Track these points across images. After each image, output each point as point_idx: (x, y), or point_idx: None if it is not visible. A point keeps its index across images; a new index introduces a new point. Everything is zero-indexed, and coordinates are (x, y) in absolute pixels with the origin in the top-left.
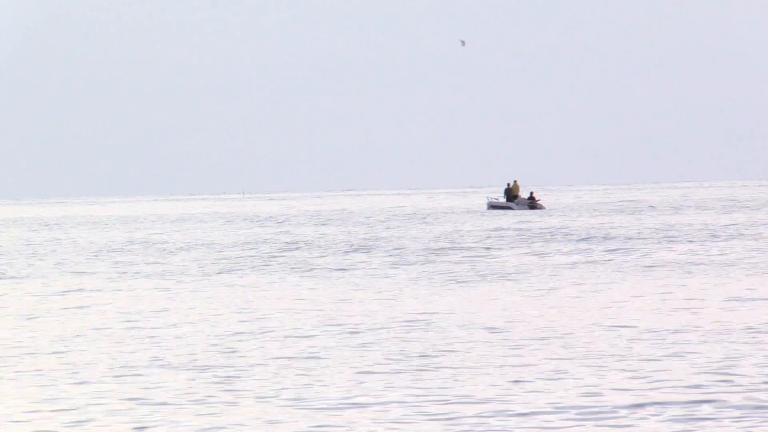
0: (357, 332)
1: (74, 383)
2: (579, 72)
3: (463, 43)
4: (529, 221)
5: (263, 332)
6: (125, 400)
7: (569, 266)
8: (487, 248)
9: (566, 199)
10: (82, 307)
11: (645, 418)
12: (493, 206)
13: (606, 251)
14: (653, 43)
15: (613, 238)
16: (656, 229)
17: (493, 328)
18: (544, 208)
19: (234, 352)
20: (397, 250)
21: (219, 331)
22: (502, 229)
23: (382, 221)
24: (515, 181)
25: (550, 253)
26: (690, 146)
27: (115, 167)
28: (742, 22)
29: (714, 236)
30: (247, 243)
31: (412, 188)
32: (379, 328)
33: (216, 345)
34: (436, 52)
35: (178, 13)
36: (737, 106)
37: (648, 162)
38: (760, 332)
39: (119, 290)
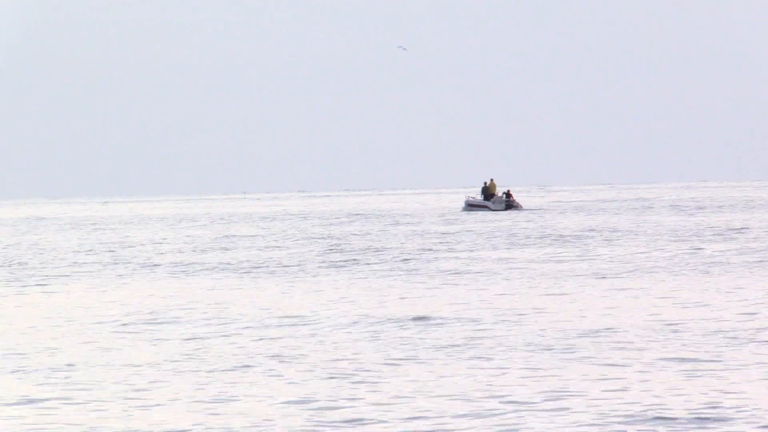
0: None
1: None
2: (579, 72)
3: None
4: (484, 221)
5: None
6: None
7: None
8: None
9: (557, 198)
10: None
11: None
12: (470, 205)
13: (568, 250)
14: (653, 43)
15: (582, 237)
16: (606, 229)
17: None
18: (521, 206)
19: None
20: (337, 250)
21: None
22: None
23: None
24: (492, 180)
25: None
26: (690, 146)
27: (114, 167)
28: (742, 22)
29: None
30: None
31: (413, 188)
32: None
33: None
34: (436, 52)
35: (178, 13)
36: (737, 106)
37: (647, 162)
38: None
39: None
